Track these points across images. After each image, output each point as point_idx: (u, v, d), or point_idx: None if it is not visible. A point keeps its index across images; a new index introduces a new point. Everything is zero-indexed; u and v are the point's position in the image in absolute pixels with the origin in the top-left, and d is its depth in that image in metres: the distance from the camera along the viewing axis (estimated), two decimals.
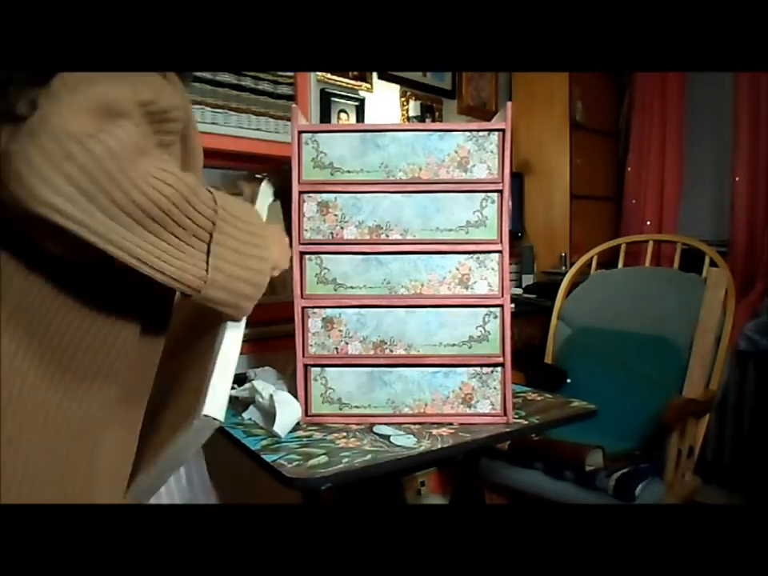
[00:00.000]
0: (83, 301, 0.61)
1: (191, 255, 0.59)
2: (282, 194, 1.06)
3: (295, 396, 1.05)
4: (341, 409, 1.05)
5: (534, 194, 2.78)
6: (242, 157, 1.67)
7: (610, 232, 2.87)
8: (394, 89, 2.45)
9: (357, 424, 1.04)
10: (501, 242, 1.04)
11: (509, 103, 1.03)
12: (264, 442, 0.96)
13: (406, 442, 0.95)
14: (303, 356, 1.05)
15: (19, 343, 0.57)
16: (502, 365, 1.04)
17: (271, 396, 1.02)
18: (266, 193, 0.99)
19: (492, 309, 1.04)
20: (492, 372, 1.05)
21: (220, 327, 0.73)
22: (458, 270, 1.04)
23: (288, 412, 1.01)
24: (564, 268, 2.56)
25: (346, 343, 1.05)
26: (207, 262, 0.60)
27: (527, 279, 2.64)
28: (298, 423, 1.04)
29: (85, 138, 0.50)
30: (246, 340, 1.49)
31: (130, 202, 0.53)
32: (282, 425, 0.99)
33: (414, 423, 1.04)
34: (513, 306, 1.17)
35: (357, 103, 2.27)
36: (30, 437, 0.56)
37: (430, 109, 2.55)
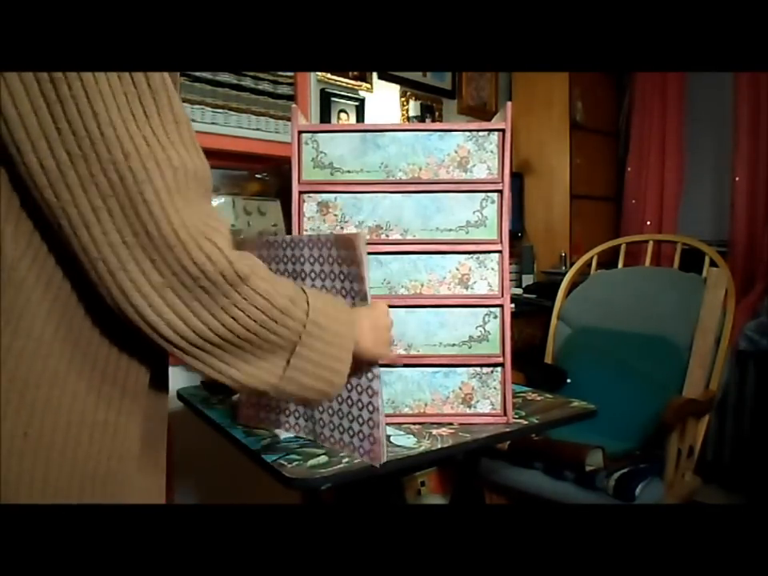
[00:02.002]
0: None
1: (267, 366, 0.58)
2: (283, 194, 1.06)
3: None
4: None
5: (534, 194, 2.79)
6: (242, 157, 1.67)
7: (610, 232, 2.87)
8: (394, 89, 2.45)
9: None
10: (501, 242, 1.04)
11: (509, 103, 1.03)
12: (264, 442, 0.96)
13: (406, 442, 0.96)
14: None
15: (68, 357, 0.56)
16: (502, 365, 1.04)
17: None
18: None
19: (492, 309, 1.04)
20: (492, 372, 1.05)
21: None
22: (457, 269, 1.04)
23: None
24: (564, 268, 2.56)
25: None
26: (283, 373, 0.59)
27: (527, 279, 2.64)
28: None
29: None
30: None
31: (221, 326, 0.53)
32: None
33: (414, 423, 1.04)
34: (513, 306, 1.17)
35: (357, 103, 2.27)
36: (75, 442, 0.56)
37: (430, 109, 2.56)
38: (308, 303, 0.60)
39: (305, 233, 1.05)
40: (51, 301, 0.54)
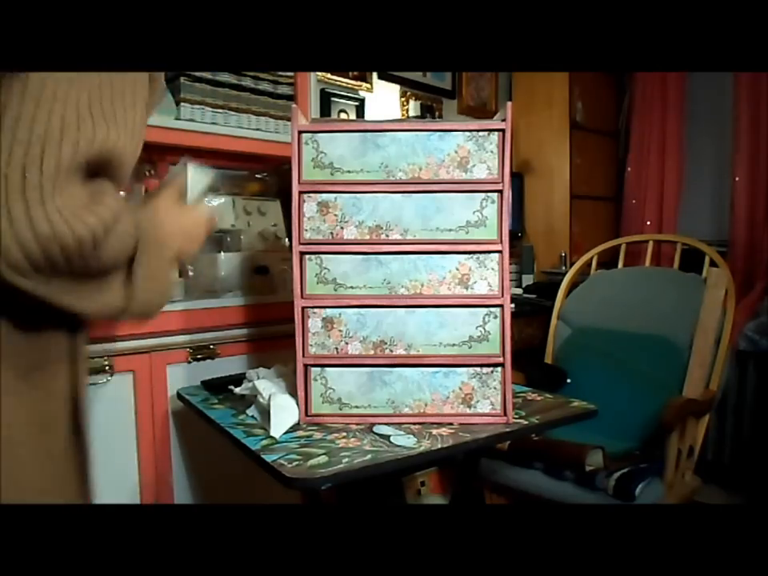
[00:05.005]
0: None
1: (110, 291, 0.64)
2: (283, 194, 1.06)
3: (295, 396, 1.05)
4: (341, 409, 1.05)
5: (534, 193, 2.79)
6: (242, 157, 1.67)
7: (610, 232, 2.87)
8: (394, 89, 2.45)
9: (357, 424, 1.04)
10: (501, 242, 1.04)
11: (509, 103, 1.03)
12: (264, 442, 0.96)
13: (406, 442, 0.96)
14: (303, 356, 1.05)
15: None
16: (502, 365, 1.04)
17: (270, 397, 1.03)
18: (195, 179, 0.92)
19: (492, 309, 1.04)
20: (492, 372, 1.05)
21: None
22: (457, 269, 1.04)
23: (282, 415, 1.01)
24: (564, 268, 2.56)
25: (346, 343, 1.05)
26: (125, 294, 0.65)
27: (527, 279, 2.64)
28: (297, 423, 1.04)
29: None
30: (246, 340, 1.50)
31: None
32: (277, 428, 0.99)
33: (414, 423, 1.04)
34: (513, 306, 1.17)
35: (357, 103, 2.27)
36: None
37: (430, 109, 2.56)
38: (132, 221, 0.65)
39: (305, 233, 1.05)
40: None
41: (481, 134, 1.03)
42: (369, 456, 0.89)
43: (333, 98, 2.19)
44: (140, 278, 0.66)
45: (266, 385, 1.09)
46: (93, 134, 0.56)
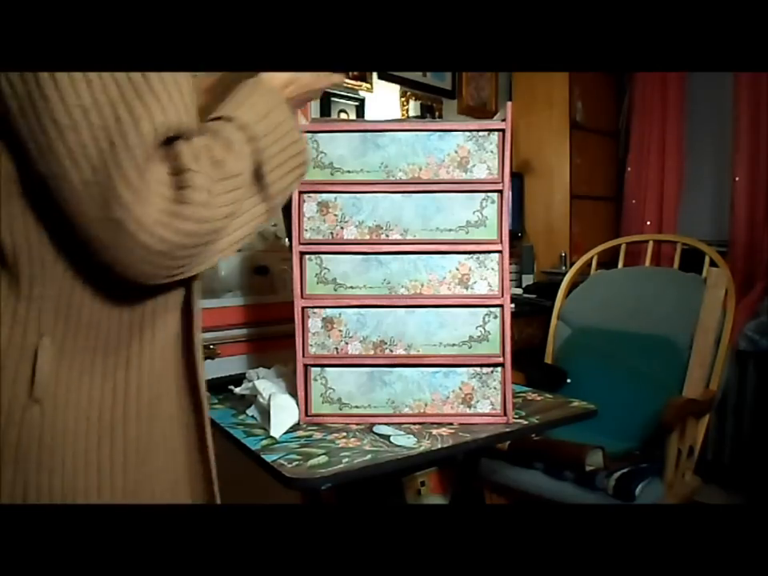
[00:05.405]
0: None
1: (255, 206, 0.61)
2: None
3: (295, 396, 1.05)
4: (341, 409, 1.06)
5: (534, 193, 2.79)
6: None
7: (610, 232, 2.87)
8: (394, 89, 2.45)
9: (357, 424, 1.04)
10: (501, 242, 1.04)
11: (509, 103, 1.03)
12: (264, 442, 0.96)
13: (406, 442, 0.96)
14: (303, 356, 1.05)
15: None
16: (502, 365, 1.04)
17: (270, 397, 1.03)
18: None
19: (492, 309, 1.04)
20: (492, 372, 1.05)
21: None
22: (457, 269, 1.04)
23: (282, 415, 1.01)
24: (564, 268, 2.56)
25: (346, 343, 1.05)
26: (262, 197, 0.61)
27: (527, 279, 2.64)
28: (297, 423, 1.04)
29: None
30: (246, 340, 1.50)
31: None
32: (276, 428, 0.99)
33: (414, 423, 1.04)
34: (513, 306, 1.17)
35: (357, 103, 2.27)
36: None
37: (430, 109, 2.56)
38: (249, 140, 0.59)
39: (305, 233, 1.05)
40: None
41: (481, 133, 1.03)
42: (369, 456, 0.89)
43: (333, 98, 2.19)
44: (274, 180, 0.61)
45: (266, 385, 1.09)
46: (136, 128, 0.49)
